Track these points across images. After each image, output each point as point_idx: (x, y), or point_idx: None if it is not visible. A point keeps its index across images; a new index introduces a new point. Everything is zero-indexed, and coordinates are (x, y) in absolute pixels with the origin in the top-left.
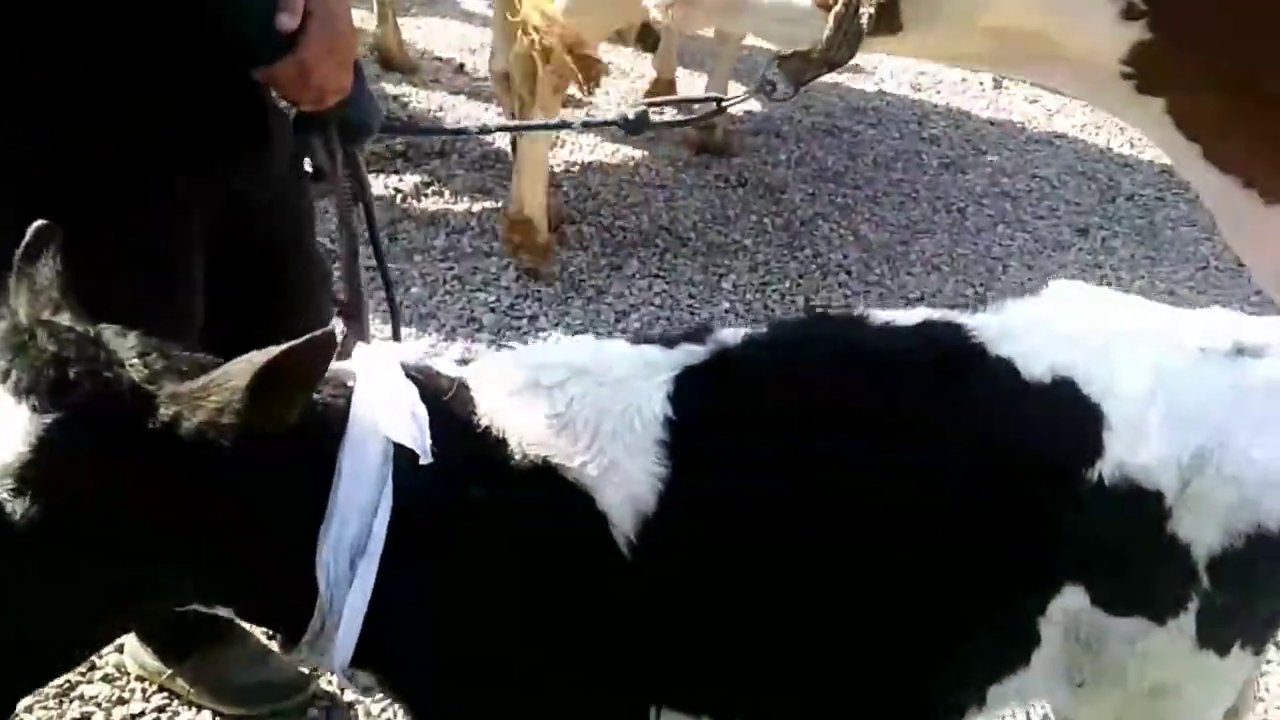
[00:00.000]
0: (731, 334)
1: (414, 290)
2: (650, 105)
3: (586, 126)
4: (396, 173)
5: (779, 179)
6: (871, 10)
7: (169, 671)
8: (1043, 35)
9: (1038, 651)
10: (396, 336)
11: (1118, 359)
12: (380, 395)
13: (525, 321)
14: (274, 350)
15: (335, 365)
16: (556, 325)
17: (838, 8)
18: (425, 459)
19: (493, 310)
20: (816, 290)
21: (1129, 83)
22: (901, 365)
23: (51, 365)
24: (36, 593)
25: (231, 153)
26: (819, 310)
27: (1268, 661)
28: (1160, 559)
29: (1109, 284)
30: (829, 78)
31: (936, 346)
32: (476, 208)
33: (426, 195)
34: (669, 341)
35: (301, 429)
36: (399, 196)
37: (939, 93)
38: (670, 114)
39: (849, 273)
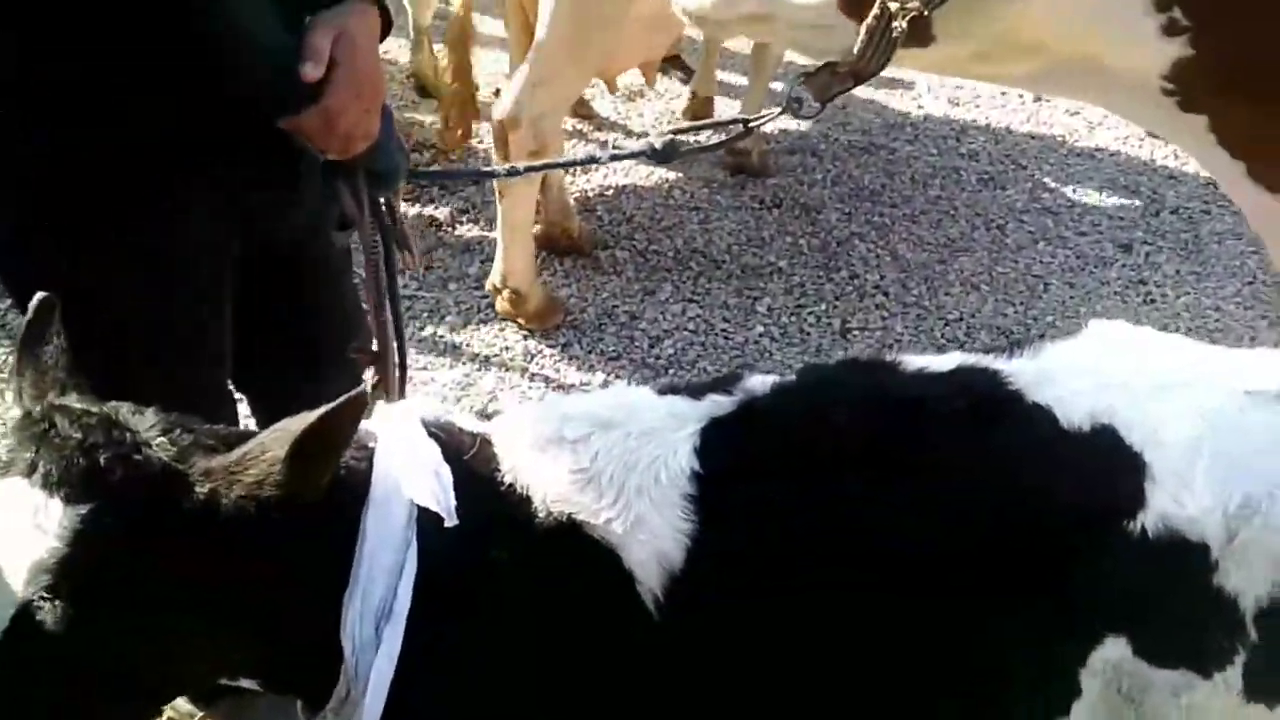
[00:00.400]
0: (759, 382)
1: (449, 318)
2: (677, 133)
3: (614, 159)
4: (432, 201)
5: (815, 199)
6: (904, 23)
7: (200, 714)
8: (1082, 51)
9: (1078, 702)
10: (402, 393)
11: (1160, 405)
12: (402, 456)
13: (559, 349)
14: (310, 416)
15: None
16: (590, 352)
17: (869, 19)
18: (450, 521)
19: (526, 338)
20: (853, 312)
21: (1171, 100)
22: (935, 413)
23: (79, 453)
24: (74, 684)
25: (235, 154)
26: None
27: None
28: (1206, 611)
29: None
30: (865, 94)
31: (971, 393)
32: None
33: (462, 223)
34: (695, 391)
35: (325, 494)
36: (434, 224)
37: (977, 106)
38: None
39: (886, 294)
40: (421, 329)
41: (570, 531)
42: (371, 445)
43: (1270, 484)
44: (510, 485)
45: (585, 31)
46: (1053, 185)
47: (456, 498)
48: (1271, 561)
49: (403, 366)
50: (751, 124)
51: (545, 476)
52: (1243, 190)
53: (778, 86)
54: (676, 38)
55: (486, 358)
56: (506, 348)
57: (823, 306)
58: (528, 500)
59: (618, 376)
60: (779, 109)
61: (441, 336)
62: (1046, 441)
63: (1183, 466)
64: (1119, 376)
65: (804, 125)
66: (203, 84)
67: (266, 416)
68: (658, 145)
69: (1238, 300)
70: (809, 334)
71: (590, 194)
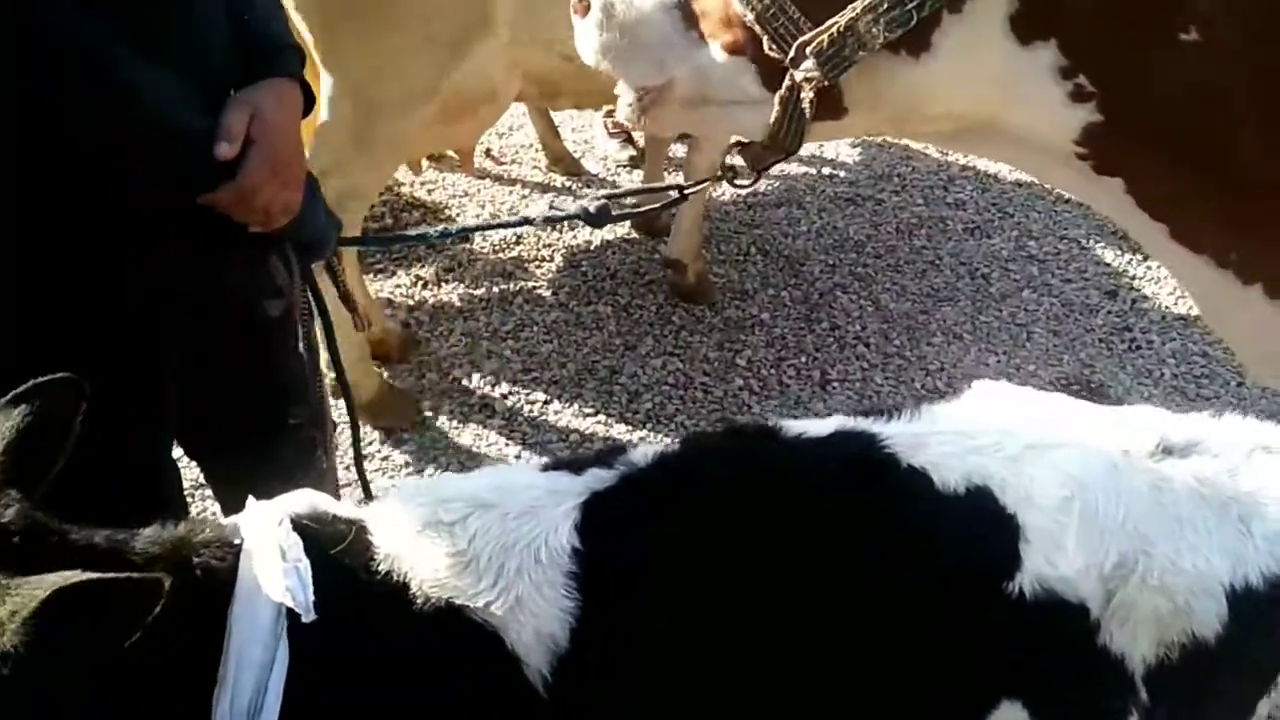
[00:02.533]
0: (641, 454)
1: (429, 376)
2: (611, 197)
3: (548, 221)
4: (419, 260)
5: (799, 250)
6: (812, 95)
7: None
8: (992, 116)
9: None
10: (358, 456)
11: (1035, 466)
12: (263, 552)
13: (538, 406)
14: (80, 576)
15: (223, 522)
16: (568, 408)
17: (781, 92)
18: (308, 616)
19: (505, 397)
20: (833, 364)
21: (1085, 164)
22: (814, 480)
23: None
24: None
25: (162, 227)
26: (735, 422)
27: None
28: (1094, 672)
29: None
30: (852, 145)
31: (848, 459)
32: (495, 290)
33: (447, 281)
34: (576, 466)
35: (189, 595)
36: (420, 283)
37: (966, 155)
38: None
39: (867, 345)
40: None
41: (450, 616)
42: (238, 542)
43: (1143, 542)
44: (387, 573)
45: (368, 119)
46: (1039, 233)
47: (330, 589)
48: (1154, 620)
49: (354, 431)
50: (687, 190)
51: (422, 561)
52: (1168, 252)
53: None
54: (487, 125)
55: (465, 414)
56: (485, 405)
57: (803, 359)
58: (405, 587)
59: (595, 432)
60: (714, 176)
61: (419, 394)
62: (924, 505)
63: (1055, 526)
64: (992, 438)
65: (792, 175)
66: (125, 162)
67: (216, 483)
68: (592, 209)
69: (1224, 346)
70: (789, 386)
71: (575, 249)
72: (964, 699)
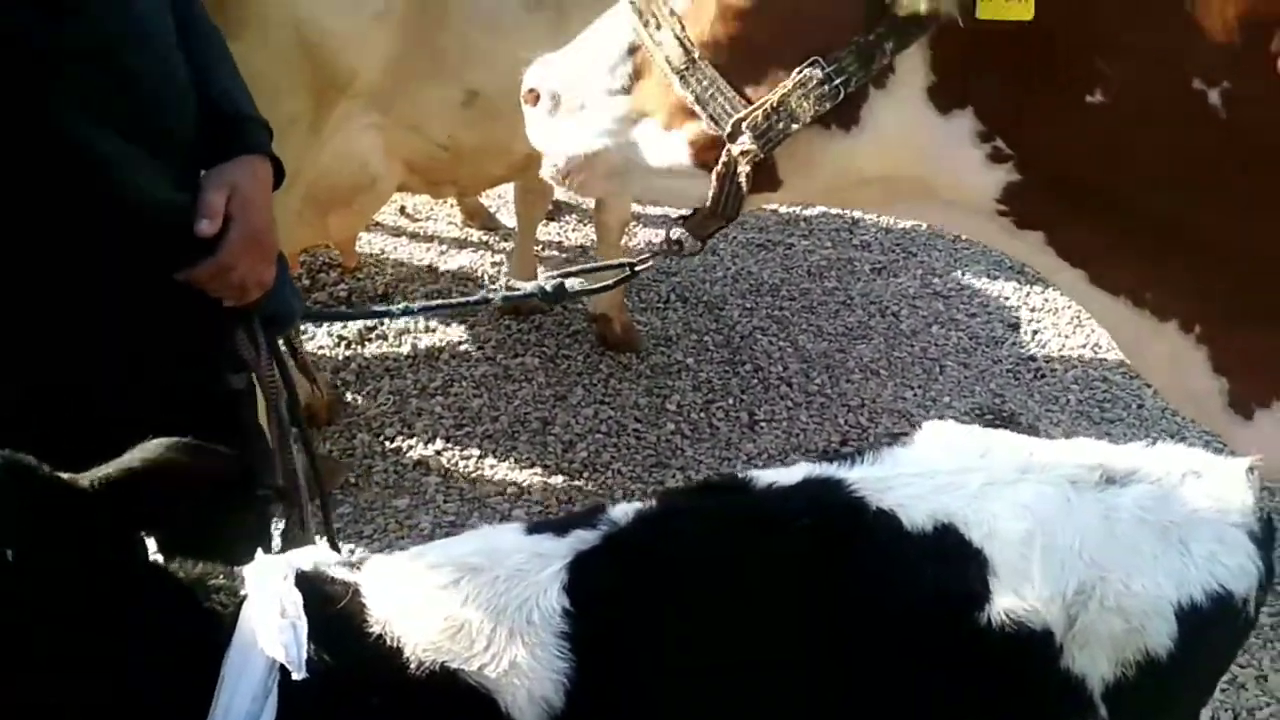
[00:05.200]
0: (622, 512)
1: (360, 436)
2: (564, 276)
3: (506, 299)
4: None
5: (717, 296)
6: (748, 169)
7: None
8: (918, 181)
9: None
10: (328, 523)
11: (995, 502)
12: (264, 605)
13: (474, 461)
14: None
15: (235, 570)
16: (504, 462)
17: (718, 166)
18: (298, 674)
19: (440, 453)
20: (760, 404)
21: (1007, 219)
22: (789, 530)
23: None
24: None
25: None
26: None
27: None
28: (1058, 694)
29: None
30: None
31: (820, 506)
32: (421, 347)
33: (370, 340)
34: (560, 528)
35: (192, 636)
36: (342, 343)
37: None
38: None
39: (790, 384)
40: (330, 451)
41: (444, 680)
42: (244, 592)
43: (1098, 569)
44: (380, 636)
45: None
46: (942, 270)
47: (326, 649)
48: (1110, 641)
49: (323, 499)
50: (637, 266)
51: (415, 625)
52: (1088, 297)
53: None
54: (366, 217)
55: (399, 473)
56: (419, 463)
57: (730, 400)
58: (398, 651)
59: (533, 483)
60: (659, 250)
61: (349, 455)
62: (894, 545)
63: (1019, 559)
64: (951, 477)
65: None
66: (102, 239)
67: (169, 554)
68: (548, 287)
69: (1122, 370)
70: (718, 428)
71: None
72: None
